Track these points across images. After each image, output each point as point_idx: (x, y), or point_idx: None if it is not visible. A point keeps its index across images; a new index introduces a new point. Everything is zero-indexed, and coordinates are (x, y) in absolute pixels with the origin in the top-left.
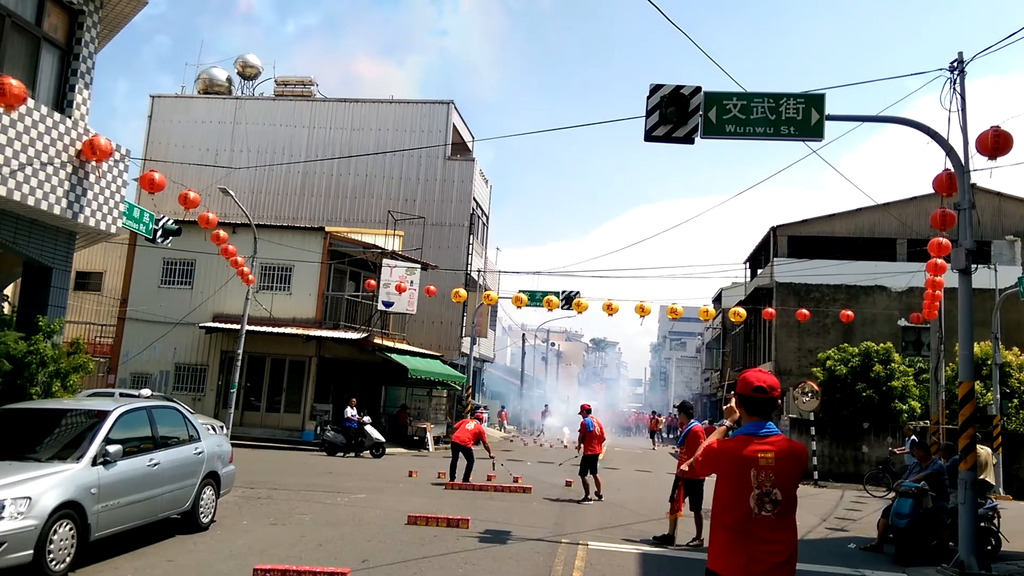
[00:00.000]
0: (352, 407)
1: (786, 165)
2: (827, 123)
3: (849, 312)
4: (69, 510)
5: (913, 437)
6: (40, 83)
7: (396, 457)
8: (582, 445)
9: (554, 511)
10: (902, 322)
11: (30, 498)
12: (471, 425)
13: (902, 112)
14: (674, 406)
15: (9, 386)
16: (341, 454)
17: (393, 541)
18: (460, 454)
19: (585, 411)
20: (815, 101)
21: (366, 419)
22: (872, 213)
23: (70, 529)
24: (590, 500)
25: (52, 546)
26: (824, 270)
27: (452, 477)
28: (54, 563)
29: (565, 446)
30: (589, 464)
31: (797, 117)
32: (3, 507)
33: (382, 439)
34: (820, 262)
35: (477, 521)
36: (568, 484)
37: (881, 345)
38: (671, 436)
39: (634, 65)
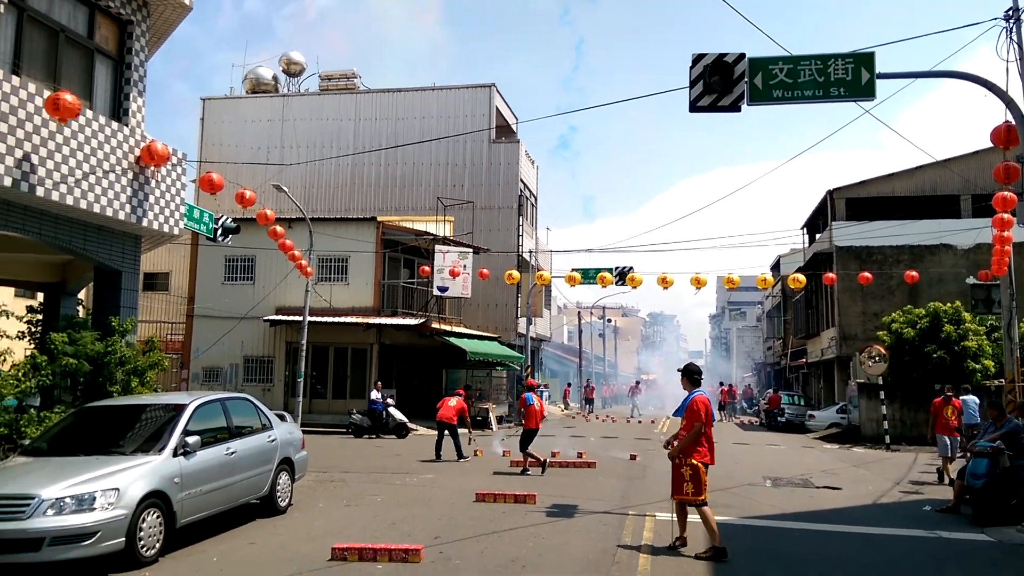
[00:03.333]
0: (377, 390)
1: (840, 127)
2: (878, 81)
3: (914, 273)
4: (155, 499)
5: (968, 396)
6: (96, 94)
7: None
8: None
9: (620, 485)
10: (970, 280)
11: (118, 489)
12: (453, 402)
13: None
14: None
15: (90, 386)
16: (371, 436)
17: (463, 518)
18: (445, 431)
19: (528, 388)
20: (865, 60)
21: (391, 401)
22: (933, 170)
23: (157, 517)
24: (529, 472)
25: (142, 533)
26: (885, 231)
27: (438, 456)
28: (144, 549)
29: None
30: (531, 437)
31: (847, 78)
32: (94, 499)
33: (405, 420)
34: (881, 223)
35: (544, 496)
36: (633, 458)
37: (950, 305)
38: (751, 408)
39: (678, 35)
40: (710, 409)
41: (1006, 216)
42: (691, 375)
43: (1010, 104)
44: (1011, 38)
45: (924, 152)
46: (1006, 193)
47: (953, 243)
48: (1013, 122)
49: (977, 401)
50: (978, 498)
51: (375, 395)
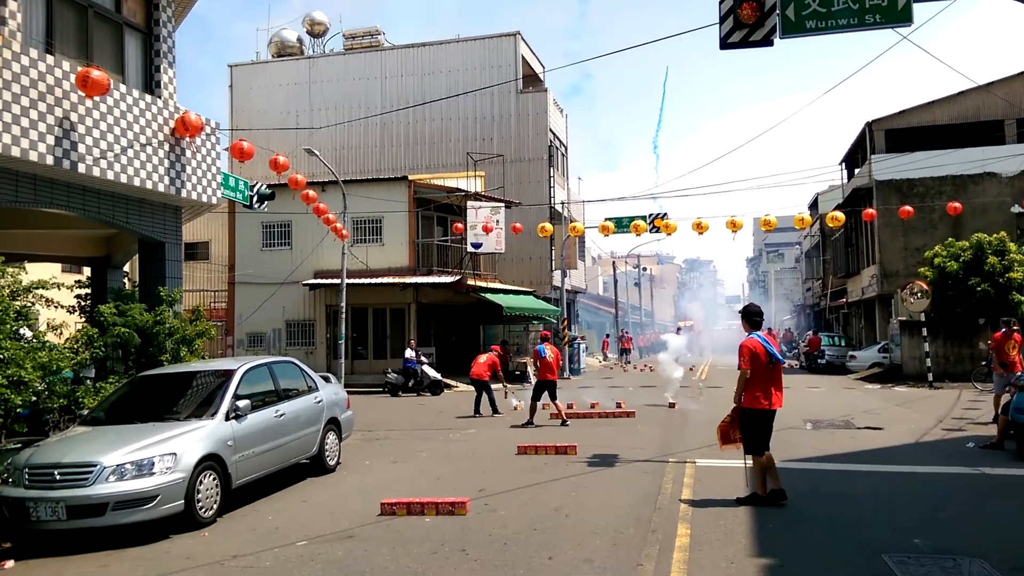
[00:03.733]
0: (411, 348)
1: (876, 55)
2: (915, 5)
3: (957, 204)
4: (211, 462)
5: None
6: (128, 68)
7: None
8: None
9: (659, 433)
10: (1016, 208)
11: (175, 454)
12: (483, 359)
13: None
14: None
15: (141, 355)
16: (408, 394)
17: (506, 471)
18: (482, 388)
19: (542, 338)
20: None
21: (424, 359)
22: (975, 95)
23: (213, 479)
24: (566, 423)
25: (199, 495)
26: (927, 162)
27: (476, 412)
28: (203, 510)
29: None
30: (543, 389)
31: (882, 3)
32: (153, 464)
33: (439, 377)
34: (922, 154)
35: (585, 447)
36: (672, 406)
37: (995, 236)
38: (791, 351)
39: None
40: (760, 352)
41: None
42: (749, 316)
43: None
44: None
45: (965, 76)
46: None
47: (997, 171)
48: None
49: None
50: (1023, 433)
51: (409, 354)
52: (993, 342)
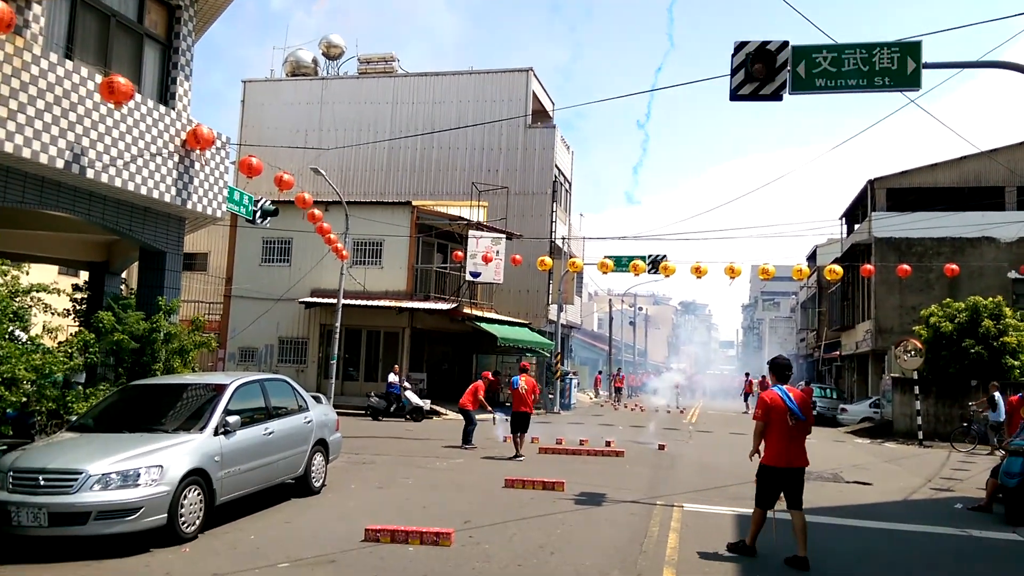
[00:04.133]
0: (395, 373)
1: (883, 116)
2: (924, 71)
3: (954, 266)
4: (196, 477)
5: (996, 393)
6: (144, 78)
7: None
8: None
9: (648, 474)
10: (1012, 274)
11: (162, 466)
12: (469, 387)
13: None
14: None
15: (134, 364)
16: (388, 418)
17: (492, 503)
18: (465, 418)
19: (521, 369)
20: (911, 49)
21: (407, 385)
22: (977, 160)
23: (198, 494)
24: (521, 457)
25: (183, 510)
26: (926, 223)
27: (465, 442)
28: (185, 525)
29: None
30: (516, 421)
31: (892, 67)
32: (139, 475)
33: (421, 403)
34: (922, 214)
35: (572, 484)
36: (661, 448)
37: (990, 299)
38: None
39: (718, 21)
40: (778, 405)
41: None
42: (777, 368)
43: None
44: None
45: (969, 143)
46: None
47: (996, 236)
48: None
49: (1004, 399)
50: (1011, 497)
51: (392, 378)
52: (1009, 405)
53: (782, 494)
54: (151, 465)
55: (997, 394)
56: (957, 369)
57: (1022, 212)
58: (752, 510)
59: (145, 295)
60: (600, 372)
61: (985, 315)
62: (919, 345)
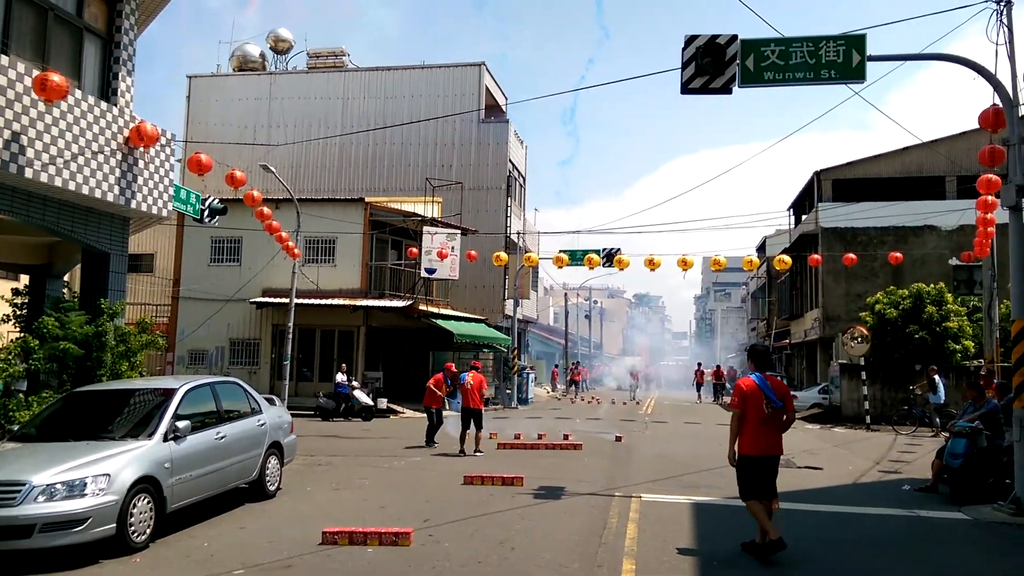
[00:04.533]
0: (343, 373)
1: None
2: (869, 64)
3: (898, 254)
4: (146, 484)
5: (936, 376)
6: (85, 73)
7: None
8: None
9: (605, 466)
10: (953, 261)
11: (109, 475)
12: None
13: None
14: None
15: (79, 370)
16: (337, 418)
17: (451, 501)
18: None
19: (471, 367)
20: (856, 42)
21: (355, 384)
22: (919, 151)
23: (148, 502)
24: (469, 454)
25: (132, 519)
26: (871, 213)
27: (429, 441)
28: (135, 535)
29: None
30: (466, 417)
31: (838, 60)
32: (85, 485)
33: (371, 403)
34: (866, 204)
35: (531, 479)
36: (618, 439)
37: (932, 286)
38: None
39: (667, 16)
40: (754, 392)
41: (990, 198)
42: (757, 356)
43: (998, 87)
44: (1001, 21)
45: (911, 134)
46: (991, 175)
47: (937, 224)
48: (1001, 105)
49: (944, 381)
50: (956, 477)
51: (340, 378)
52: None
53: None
54: (98, 474)
55: (937, 377)
56: (902, 354)
57: (962, 201)
58: (743, 503)
59: (89, 298)
60: (556, 366)
61: (928, 301)
62: (865, 332)
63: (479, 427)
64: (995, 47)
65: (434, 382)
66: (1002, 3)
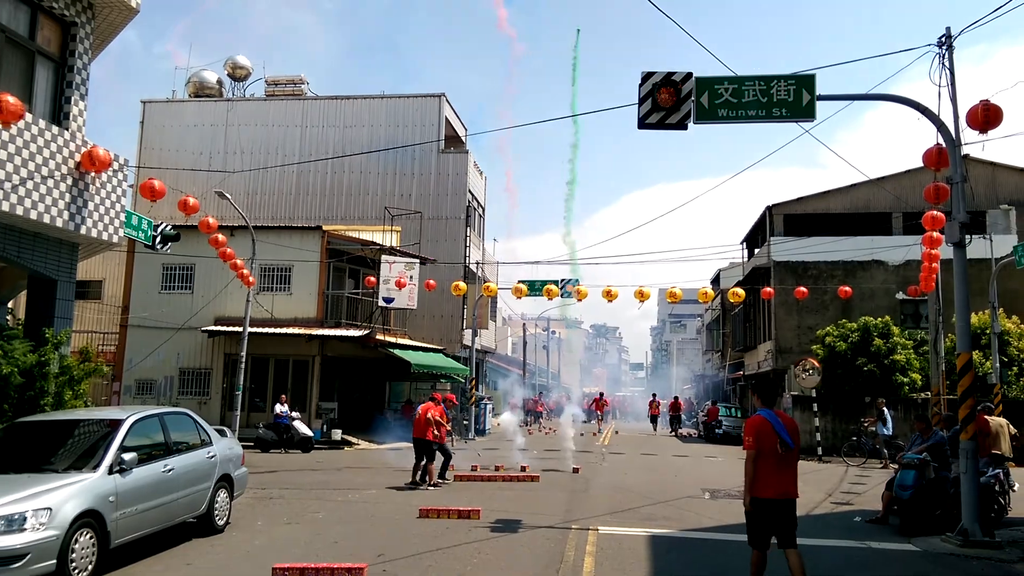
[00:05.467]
0: (282, 404)
1: (780, 145)
2: (818, 103)
3: (847, 288)
4: (89, 519)
5: (885, 409)
6: (36, 97)
7: (404, 451)
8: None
9: (563, 498)
10: (900, 295)
11: (50, 509)
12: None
13: (896, 87)
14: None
15: (21, 399)
16: (276, 450)
17: (407, 535)
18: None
19: (430, 398)
20: (805, 82)
21: (296, 415)
22: (867, 188)
23: (90, 537)
24: (423, 487)
25: (74, 555)
26: (821, 247)
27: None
28: (76, 571)
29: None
30: (417, 448)
31: (788, 99)
32: (25, 519)
33: (310, 434)
34: (816, 239)
35: (488, 511)
36: (576, 471)
37: (880, 319)
38: (690, 420)
39: (625, 52)
40: (767, 432)
41: (935, 234)
42: (763, 390)
43: (941, 127)
44: (943, 64)
45: (859, 171)
46: (935, 212)
47: (884, 259)
48: (944, 145)
49: (892, 413)
50: (905, 509)
51: (279, 409)
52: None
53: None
54: (38, 508)
55: (885, 409)
56: (852, 386)
57: (908, 237)
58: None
59: (34, 325)
60: (512, 398)
61: (876, 334)
62: (816, 364)
63: (430, 460)
64: (938, 89)
65: (428, 411)
66: (944, 47)
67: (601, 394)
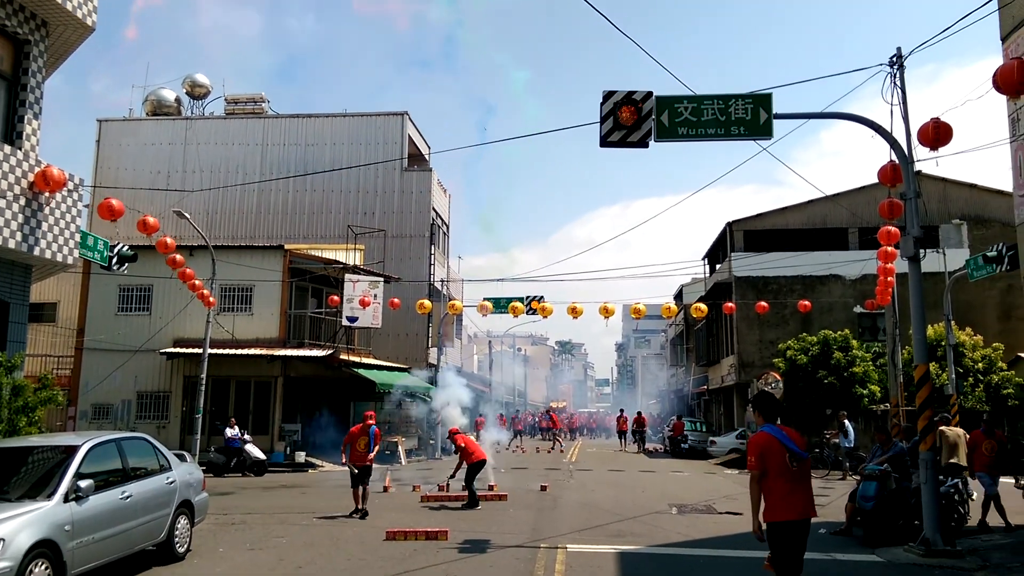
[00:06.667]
0: (233, 427)
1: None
2: (775, 121)
3: (806, 302)
4: (44, 548)
5: (846, 421)
6: None
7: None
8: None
9: (531, 516)
10: (857, 309)
11: (3, 539)
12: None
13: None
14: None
15: None
16: (233, 474)
17: (373, 558)
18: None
19: (366, 419)
20: (763, 101)
21: (247, 438)
22: (823, 204)
23: (45, 568)
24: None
25: None
26: (780, 262)
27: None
28: None
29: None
30: (352, 475)
31: (746, 117)
32: None
33: (263, 457)
34: (776, 255)
35: (456, 532)
36: (544, 488)
37: (839, 333)
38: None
39: (586, 70)
40: (774, 449)
41: (890, 249)
42: (764, 405)
43: (894, 145)
44: (895, 83)
45: (815, 187)
46: (890, 227)
47: (842, 273)
48: (897, 161)
49: (853, 425)
50: (868, 519)
51: (230, 432)
52: (969, 440)
53: None
54: None
55: (847, 421)
56: (813, 399)
57: (864, 251)
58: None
59: None
60: (481, 415)
61: (835, 347)
62: (778, 377)
63: (358, 483)
64: (890, 107)
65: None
66: (895, 67)
67: (548, 410)
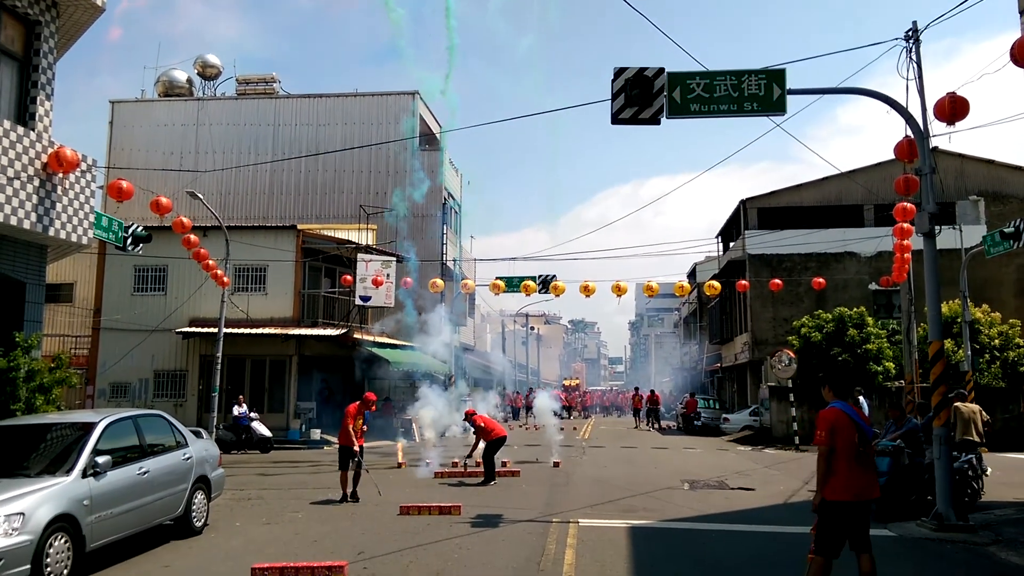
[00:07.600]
0: (240, 404)
1: (753, 139)
2: (789, 97)
3: (821, 279)
4: (63, 523)
5: (861, 398)
6: (1, 97)
7: (383, 449)
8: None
9: (543, 492)
10: (873, 286)
11: (23, 514)
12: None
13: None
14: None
15: None
16: (234, 451)
17: (387, 532)
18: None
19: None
20: (776, 76)
21: (254, 415)
22: (838, 181)
23: (65, 542)
24: (348, 501)
25: (49, 559)
26: (794, 240)
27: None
28: None
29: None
30: (341, 456)
31: (759, 93)
32: None
33: (269, 435)
34: (790, 232)
35: (469, 507)
36: (556, 465)
37: (854, 310)
38: (669, 412)
39: (598, 47)
40: (844, 426)
41: (906, 225)
42: (834, 381)
43: (910, 120)
44: (911, 57)
45: (830, 164)
46: (906, 203)
47: (857, 251)
48: (913, 137)
49: (867, 402)
50: (881, 495)
51: (238, 410)
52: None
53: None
54: (11, 513)
55: (861, 398)
56: (826, 376)
57: (880, 228)
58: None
59: (3, 329)
60: (518, 392)
61: (850, 324)
62: (792, 355)
63: (342, 466)
64: (906, 82)
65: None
66: (911, 41)
67: (565, 387)
